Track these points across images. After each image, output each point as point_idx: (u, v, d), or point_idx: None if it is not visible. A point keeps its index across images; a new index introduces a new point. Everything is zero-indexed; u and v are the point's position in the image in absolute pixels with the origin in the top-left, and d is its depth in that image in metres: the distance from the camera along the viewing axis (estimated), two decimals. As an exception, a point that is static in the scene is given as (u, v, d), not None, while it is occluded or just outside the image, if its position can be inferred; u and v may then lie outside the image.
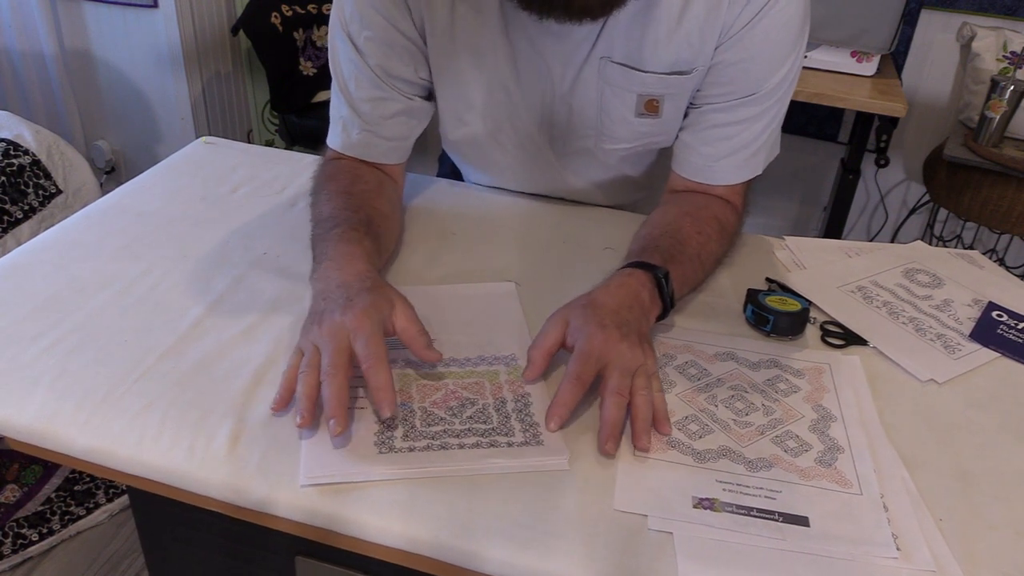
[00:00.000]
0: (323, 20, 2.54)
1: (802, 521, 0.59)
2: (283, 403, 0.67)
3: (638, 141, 0.92)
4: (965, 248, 1.72)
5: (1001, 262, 2.42)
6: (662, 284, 0.76)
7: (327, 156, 0.95)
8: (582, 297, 0.73)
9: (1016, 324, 0.83)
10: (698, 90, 0.87)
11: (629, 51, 0.83)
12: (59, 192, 2.04)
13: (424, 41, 0.87)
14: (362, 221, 0.82)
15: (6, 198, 1.90)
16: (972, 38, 2.21)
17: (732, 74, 0.84)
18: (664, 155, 0.98)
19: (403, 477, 0.61)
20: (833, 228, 2.18)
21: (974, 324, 0.83)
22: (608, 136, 0.92)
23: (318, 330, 0.69)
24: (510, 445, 0.64)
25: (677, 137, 0.92)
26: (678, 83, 0.85)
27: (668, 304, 0.76)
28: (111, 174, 2.88)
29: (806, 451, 0.66)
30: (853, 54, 2.00)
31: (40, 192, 1.99)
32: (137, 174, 1.03)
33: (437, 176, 1.20)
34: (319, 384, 0.65)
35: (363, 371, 0.66)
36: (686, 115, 0.90)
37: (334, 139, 0.93)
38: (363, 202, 0.86)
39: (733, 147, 0.88)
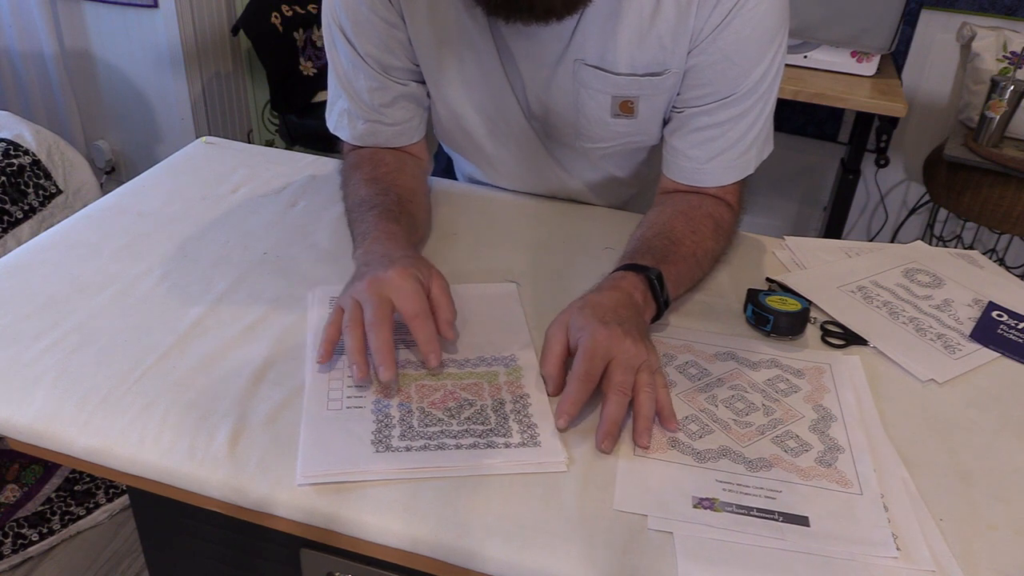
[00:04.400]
0: (323, 20, 2.53)
1: (802, 521, 0.59)
2: (327, 356, 0.71)
3: (616, 141, 0.93)
4: (965, 248, 1.72)
5: (1001, 262, 2.42)
6: (655, 285, 0.76)
7: (345, 148, 0.98)
8: (577, 301, 0.73)
9: (1016, 324, 0.83)
10: (679, 94, 0.87)
11: (602, 53, 0.83)
12: (59, 192, 2.04)
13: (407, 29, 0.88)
14: (394, 201, 0.87)
15: (6, 198, 1.91)
16: (972, 38, 2.21)
17: (709, 76, 0.84)
18: (652, 154, 0.98)
19: (399, 477, 0.61)
20: (833, 228, 2.18)
21: (974, 324, 0.83)
22: (586, 136, 0.92)
23: (360, 284, 0.72)
24: (507, 446, 0.64)
25: (665, 142, 0.92)
26: (651, 84, 0.85)
27: (662, 305, 0.77)
28: (111, 174, 2.88)
29: (806, 451, 0.66)
30: (853, 54, 2.00)
31: (40, 192, 1.99)
32: (137, 174, 1.03)
33: (432, 174, 1.20)
34: (364, 337, 0.68)
35: (408, 325, 0.70)
36: (671, 119, 0.90)
37: (342, 131, 0.96)
38: (389, 184, 0.90)
39: (720, 148, 0.88)
